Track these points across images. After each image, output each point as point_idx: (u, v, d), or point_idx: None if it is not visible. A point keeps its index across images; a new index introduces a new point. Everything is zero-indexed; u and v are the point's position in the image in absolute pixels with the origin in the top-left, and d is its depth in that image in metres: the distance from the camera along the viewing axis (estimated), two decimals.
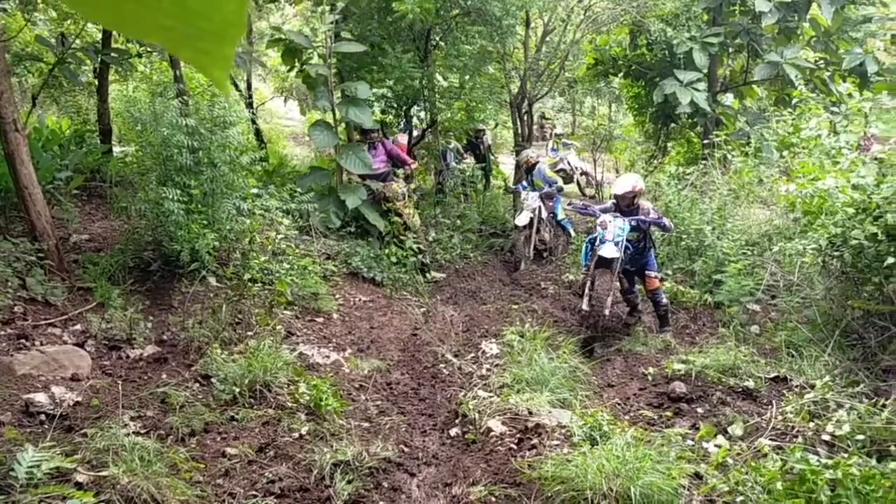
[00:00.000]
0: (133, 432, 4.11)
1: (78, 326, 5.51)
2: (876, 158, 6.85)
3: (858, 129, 10.46)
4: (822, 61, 11.55)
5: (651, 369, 5.87)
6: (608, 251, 6.89)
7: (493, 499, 3.77)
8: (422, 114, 12.26)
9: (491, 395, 5.11)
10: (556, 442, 4.24)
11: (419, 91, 10.68)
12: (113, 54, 8.51)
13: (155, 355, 5.36)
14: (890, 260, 5.54)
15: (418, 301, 8.05)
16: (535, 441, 4.32)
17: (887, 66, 10.33)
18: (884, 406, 4.70)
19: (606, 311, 6.99)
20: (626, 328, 7.52)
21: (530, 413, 4.63)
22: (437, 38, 11.07)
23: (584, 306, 6.98)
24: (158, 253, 6.44)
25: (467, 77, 11.54)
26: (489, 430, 4.50)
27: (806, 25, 11.68)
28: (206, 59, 0.64)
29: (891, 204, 5.73)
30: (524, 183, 10.83)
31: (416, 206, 9.96)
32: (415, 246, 8.77)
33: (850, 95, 11.12)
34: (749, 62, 12.14)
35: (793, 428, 4.61)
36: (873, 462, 3.86)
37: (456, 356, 6.20)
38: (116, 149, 9.01)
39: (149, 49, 9.52)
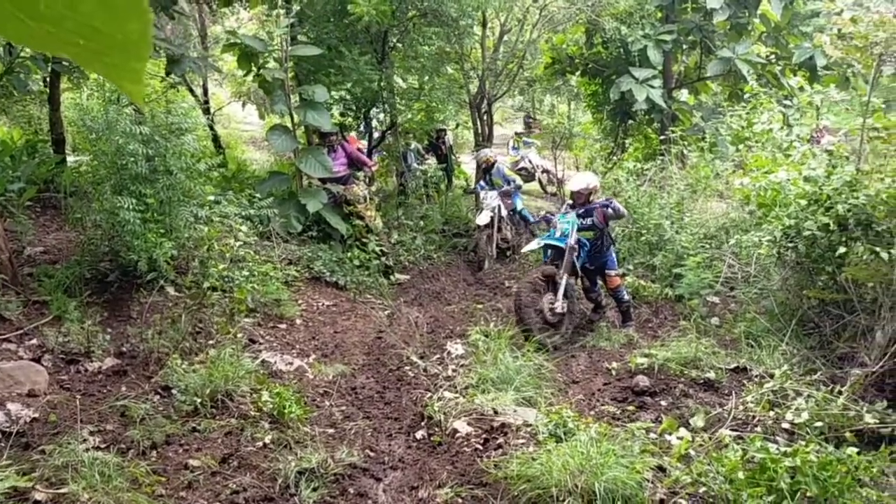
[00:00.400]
0: (92, 447, 4.03)
1: (34, 341, 5.38)
2: (826, 150, 7.01)
3: (810, 121, 10.70)
4: (773, 56, 11.79)
5: (615, 364, 5.92)
6: (530, 245, 7.62)
7: (460, 500, 3.77)
8: (381, 115, 12.24)
9: (457, 395, 5.11)
10: (521, 440, 4.26)
11: (378, 93, 10.65)
12: (63, 63, 8.34)
13: (114, 368, 5.26)
14: (842, 249, 5.68)
15: (382, 304, 8.03)
16: (500, 440, 4.33)
17: (835, 60, 10.58)
18: (840, 393, 4.81)
19: (558, 306, 6.91)
20: (590, 324, 7.58)
21: (496, 412, 4.64)
22: (395, 40, 11.05)
23: (558, 308, 6.92)
24: (115, 263, 6.32)
25: (426, 78, 11.55)
26: (455, 431, 4.50)
27: (756, 21, 11.92)
28: (117, 73, 0.63)
29: (841, 195, 5.87)
30: (482, 183, 10.88)
31: (378, 209, 9.93)
32: (377, 248, 8.74)
33: (801, 89, 11.40)
34: (702, 58, 12.35)
35: (753, 417, 4.69)
36: (831, 448, 3.94)
37: (421, 358, 6.19)
38: (70, 158, 8.82)
39: None
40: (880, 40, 6.35)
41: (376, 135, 12.42)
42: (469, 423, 4.57)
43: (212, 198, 6.92)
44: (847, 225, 5.81)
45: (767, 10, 11.55)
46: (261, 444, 4.37)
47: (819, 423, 4.47)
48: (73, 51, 0.62)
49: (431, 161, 12.95)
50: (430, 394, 5.26)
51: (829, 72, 11.42)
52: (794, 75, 11.99)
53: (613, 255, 7.45)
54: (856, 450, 3.81)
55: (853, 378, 5.05)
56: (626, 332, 7.05)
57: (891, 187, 5.60)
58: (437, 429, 4.64)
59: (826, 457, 3.60)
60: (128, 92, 0.65)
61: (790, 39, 12.03)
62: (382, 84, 10.52)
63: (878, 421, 4.54)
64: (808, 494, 3.46)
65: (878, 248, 5.41)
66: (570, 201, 7.41)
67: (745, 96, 10.92)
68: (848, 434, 4.27)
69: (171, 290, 6.27)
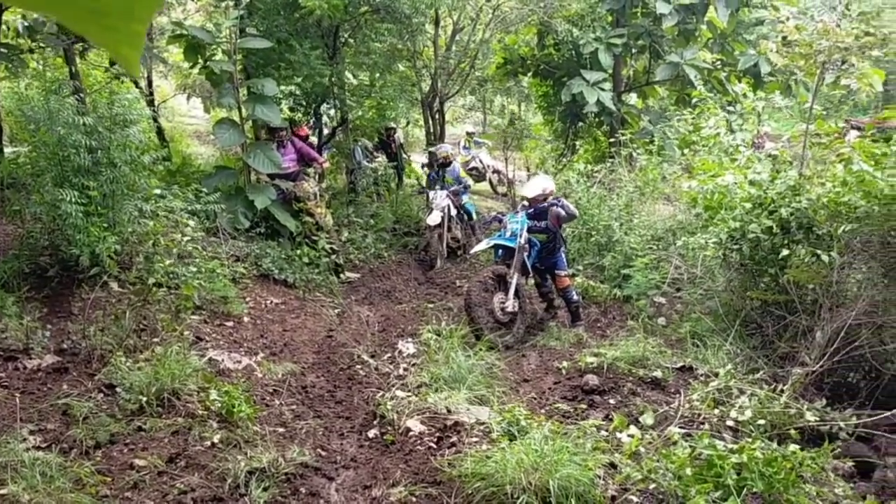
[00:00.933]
0: (33, 447, 3.89)
1: None
2: (770, 155, 7.20)
3: (753, 127, 10.98)
4: (718, 62, 12.08)
5: (565, 363, 5.95)
6: (479, 246, 7.85)
7: (414, 499, 3.75)
8: (332, 111, 12.13)
9: (409, 394, 5.08)
10: (475, 439, 4.26)
11: (328, 88, 10.55)
12: (2, 50, 8.02)
13: (54, 365, 5.08)
14: (784, 252, 5.84)
15: (332, 302, 7.95)
16: (454, 439, 4.32)
17: (778, 67, 10.89)
18: (782, 391, 4.95)
19: (509, 305, 6.96)
20: (541, 323, 7.63)
21: (449, 411, 4.63)
22: (346, 36, 10.96)
23: (509, 307, 6.94)
24: (56, 258, 6.11)
25: (378, 75, 11.49)
26: (408, 430, 4.47)
27: (703, 28, 12.19)
28: (114, 36, 0.58)
29: (784, 199, 6.04)
30: (433, 174, 10.90)
31: (329, 206, 9.82)
32: (328, 246, 8.64)
33: (745, 95, 11.70)
34: (651, 63, 12.56)
35: (699, 415, 4.78)
36: (774, 445, 4.04)
37: (372, 357, 6.15)
38: (8, 149, 8.50)
39: (42, 45, 9.03)
40: (823, 48, 6.55)
41: (326, 131, 12.30)
42: (422, 422, 4.56)
43: (157, 192, 6.76)
44: (789, 228, 5.98)
45: (714, 17, 11.81)
46: (209, 443, 4.28)
47: (762, 421, 4.59)
48: (68, 10, 0.57)
49: (381, 159, 12.89)
50: (381, 392, 5.22)
51: (772, 78, 11.74)
52: (739, 81, 12.29)
53: (563, 256, 7.51)
54: (798, 447, 3.93)
55: (794, 377, 5.19)
56: (576, 331, 7.12)
57: (831, 192, 5.78)
58: (389, 427, 4.60)
59: (771, 453, 3.69)
60: (123, 58, 0.60)
61: (736, 46, 12.33)
62: (333, 79, 10.43)
63: (817, 419, 4.68)
64: (754, 490, 3.54)
65: (818, 251, 5.58)
66: (526, 203, 7.44)
67: (693, 101, 11.15)
68: (792, 431, 4.39)
69: (114, 286, 6.09)
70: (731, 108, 11.62)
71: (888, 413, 4.68)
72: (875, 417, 4.71)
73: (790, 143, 8.03)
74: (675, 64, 11.41)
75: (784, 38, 6.77)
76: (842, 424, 4.68)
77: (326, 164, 10.65)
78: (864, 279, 5.59)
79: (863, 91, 6.76)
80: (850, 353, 5.22)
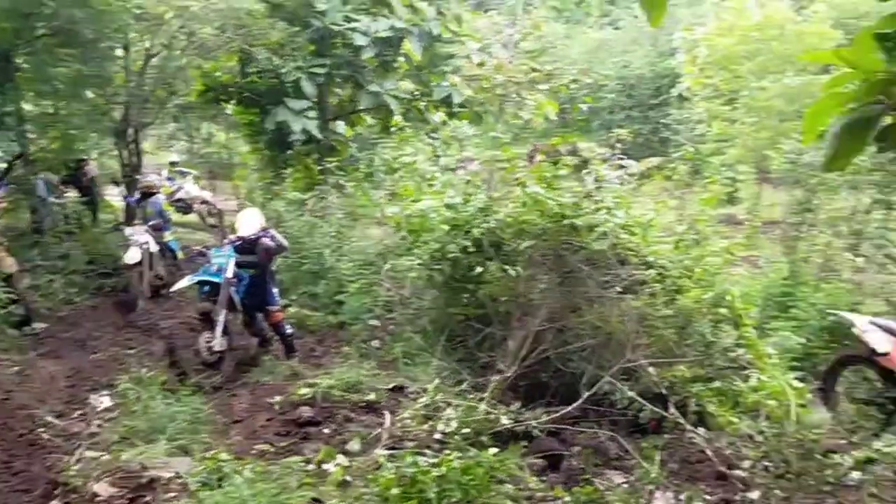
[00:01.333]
0: None
1: None
2: (463, 180, 7.72)
3: (455, 153, 11.76)
4: (417, 92, 12.75)
5: (278, 398, 5.78)
6: (181, 283, 7.37)
7: None
8: (6, 144, 10.74)
9: (100, 454, 4.61)
10: (172, 494, 3.95)
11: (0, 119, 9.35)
12: None
13: None
14: (479, 269, 6.27)
15: (10, 360, 6.96)
16: (148, 498, 3.97)
17: (466, 98, 11.77)
18: (482, 399, 5.27)
19: (216, 343, 6.65)
20: (254, 360, 7.36)
21: (144, 467, 4.26)
22: (21, 61, 9.82)
23: (217, 346, 6.60)
24: None
25: (63, 103, 10.43)
26: (95, 495, 4.03)
27: (402, 60, 12.81)
28: None
29: (476, 219, 6.48)
30: (133, 200, 10.22)
31: (8, 250, 8.63)
32: (5, 296, 7.57)
33: (444, 123, 12.50)
34: (355, 92, 12.91)
35: (409, 433, 4.92)
36: (473, 452, 4.26)
37: (59, 417, 5.49)
38: None
39: None
40: (500, 83, 7.19)
41: (2, 165, 10.87)
42: (113, 484, 4.13)
43: None
44: (482, 246, 6.42)
45: (410, 49, 12.45)
46: None
47: (467, 430, 4.83)
48: None
49: (71, 194, 11.67)
50: (67, 457, 4.65)
51: (464, 108, 12.65)
52: (437, 111, 13.07)
53: (274, 290, 7.31)
54: (495, 450, 4.19)
55: (493, 384, 5.56)
56: (291, 363, 6.97)
57: (514, 212, 6.32)
58: (74, 495, 4.11)
59: (467, 462, 3.88)
60: None
61: (432, 78, 13.08)
62: (7, 109, 9.27)
63: (512, 420, 5.04)
64: (454, 499, 3.69)
65: (506, 266, 6.06)
66: (233, 237, 7.17)
67: (392, 129, 11.62)
68: (484, 438, 4.67)
69: None
70: (434, 136, 12.34)
71: (569, 408, 5.19)
72: (560, 413, 5.20)
73: (483, 168, 8.67)
74: (376, 93, 11.84)
75: (468, 73, 7.32)
76: (533, 423, 5.09)
77: (3, 204, 9.41)
78: (545, 288, 6.16)
79: (535, 120, 7.52)
80: (539, 356, 5.71)
